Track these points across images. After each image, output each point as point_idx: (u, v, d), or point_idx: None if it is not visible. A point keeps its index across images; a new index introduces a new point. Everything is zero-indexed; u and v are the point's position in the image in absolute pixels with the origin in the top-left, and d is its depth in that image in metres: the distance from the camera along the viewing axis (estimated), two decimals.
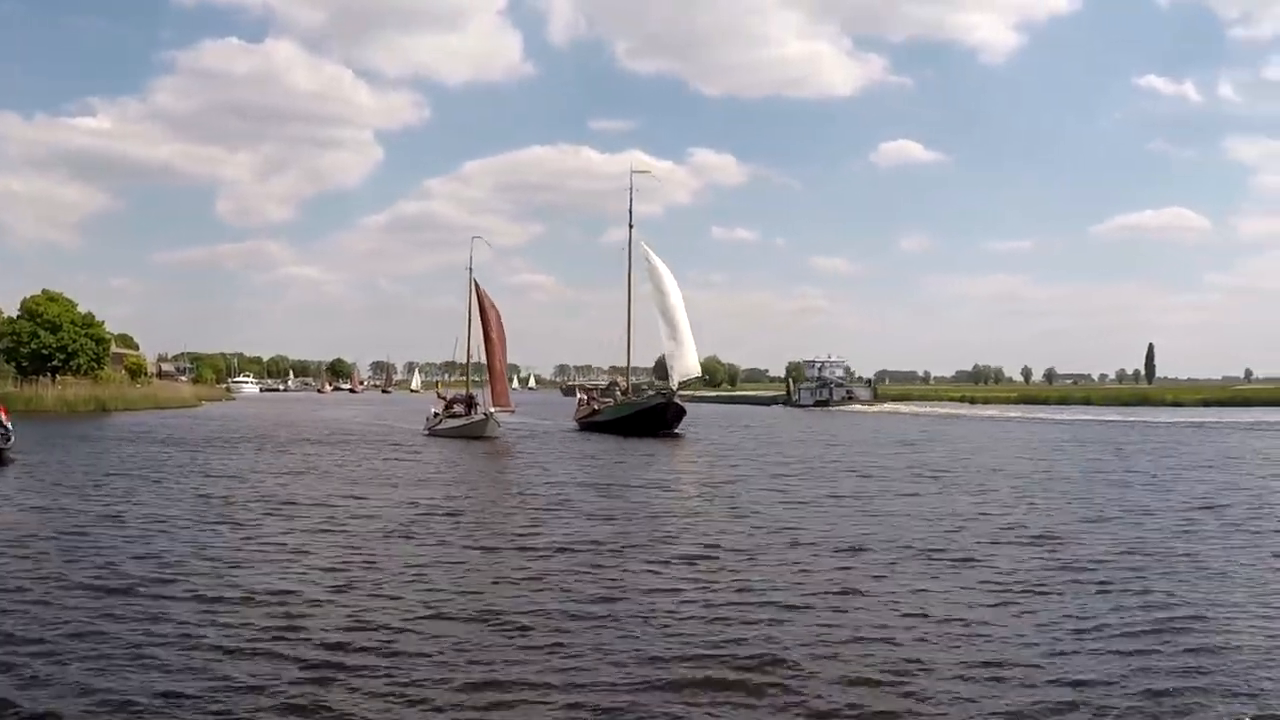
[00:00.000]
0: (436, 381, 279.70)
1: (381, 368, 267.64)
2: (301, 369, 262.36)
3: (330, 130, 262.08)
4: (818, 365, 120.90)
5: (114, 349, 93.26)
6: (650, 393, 61.06)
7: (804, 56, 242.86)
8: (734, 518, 21.26)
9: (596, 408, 58.60)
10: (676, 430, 53.84)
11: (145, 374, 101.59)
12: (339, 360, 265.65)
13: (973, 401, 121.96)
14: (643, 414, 54.12)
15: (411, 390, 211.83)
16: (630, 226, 59.05)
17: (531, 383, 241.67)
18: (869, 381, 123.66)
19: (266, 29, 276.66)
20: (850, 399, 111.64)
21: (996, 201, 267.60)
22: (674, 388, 54.76)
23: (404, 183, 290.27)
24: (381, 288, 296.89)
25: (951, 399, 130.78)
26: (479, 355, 53.05)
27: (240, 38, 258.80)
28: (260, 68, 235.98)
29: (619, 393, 60.10)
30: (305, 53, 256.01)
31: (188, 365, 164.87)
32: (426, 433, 52.52)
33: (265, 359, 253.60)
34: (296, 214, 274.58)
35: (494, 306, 50.54)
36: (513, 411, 51.07)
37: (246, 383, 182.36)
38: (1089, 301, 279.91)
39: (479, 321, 51.40)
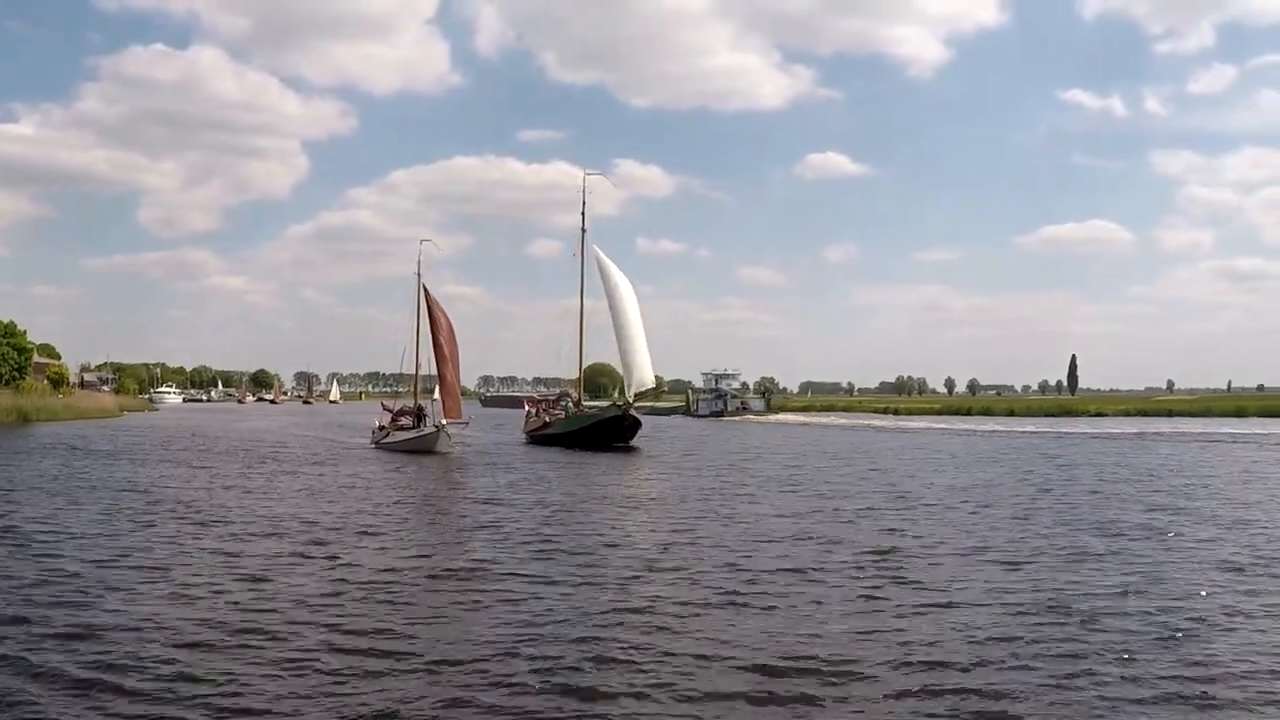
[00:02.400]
0: (361, 393, 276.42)
1: (304, 378, 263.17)
2: (225, 379, 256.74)
3: (256, 139, 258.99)
4: (714, 377, 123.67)
5: (36, 359, 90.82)
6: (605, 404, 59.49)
7: (733, 69, 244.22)
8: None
9: (548, 420, 56.90)
10: (632, 443, 52.46)
11: (67, 384, 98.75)
12: (261, 371, 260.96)
13: (896, 413, 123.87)
14: (597, 426, 52.71)
15: (331, 401, 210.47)
16: (583, 231, 57.78)
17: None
18: (763, 393, 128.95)
19: (191, 36, 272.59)
20: (744, 410, 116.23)
21: (923, 213, 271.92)
22: (630, 399, 53.31)
23: (330, 192, 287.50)
24: (306, 298, 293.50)
25: (874, 410, 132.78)
26: (427, 366, 51.01)
27: (165, 44, 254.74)
28: (185, 75, 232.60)
29: (571, 404, 58.31)
30: (230, 60, 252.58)
31: (110, 375, 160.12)
32: (373, 445, 50.51)
33: (188, 369, 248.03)
34: (222, 223, 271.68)
35: (445, 314, 48.57)
36: (466, 424, 49.16)
37: (169, 393, 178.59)
38: (1013, 313, 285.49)
39: (428, 329, 49.38)
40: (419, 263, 52.15)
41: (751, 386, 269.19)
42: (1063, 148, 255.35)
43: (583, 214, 58.26)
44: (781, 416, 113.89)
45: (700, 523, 22.55)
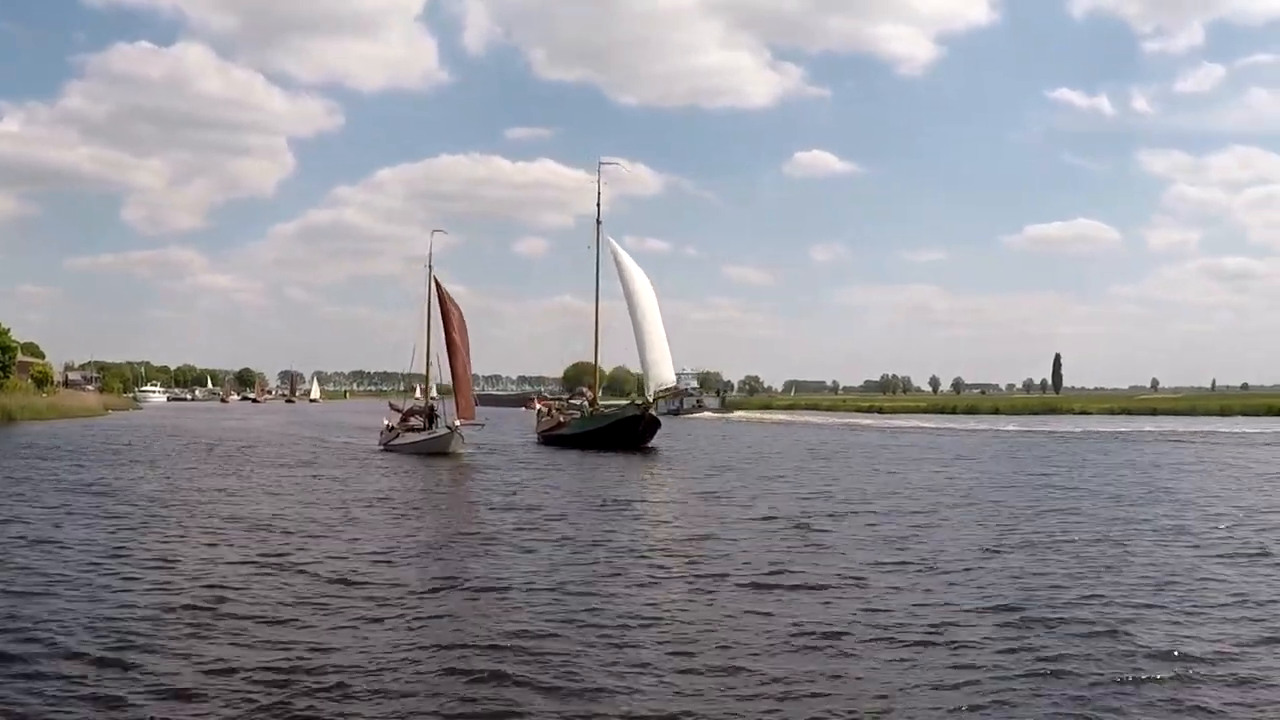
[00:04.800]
0: (346, 391, 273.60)
1: (288, 377, 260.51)
2: (210, 378, 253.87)
3: (242, 137, 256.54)
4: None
5: (20, 358, 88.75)
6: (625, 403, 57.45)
7: (723, 67, 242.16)
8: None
9: (562, 419, 54.74)
10: (650, 444, 50.46)
11: (51, 383, 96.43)
12: (246, 370, 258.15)
13: (881, 411, 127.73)
14: (614, 427, 50.54)
15: (311, 400, 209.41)
16: (598, 223, 55.68)
17: (434, 392, 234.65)
18: (718, 392, 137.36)
19: (177, 32, 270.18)
20: (700, 408, 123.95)
21: (910, 212, 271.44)
22: (649, 398, 51.25)
23: (317, 190, 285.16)
24: (292, 296, 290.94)
25: (859, 409, 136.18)
26: (437, 364, 48.71)
27: (151, 41, 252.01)
28: (171, 72, 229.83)
29: (587, 404, 56.18)
30: (217, 57, 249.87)
31: (94, 374, 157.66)
32: (381, 447, 48.31)
33: (173, 368, 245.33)
34: (207, 222, 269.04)
35: (457, 307, 46.34)
36: (482, 425, 47.02)
37: (153, 392, 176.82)
38: (999, 312, 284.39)
39: (436, 323, 47.15)
40: (430, 254, 49.87)
41: (735, 385, 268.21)
42: (1051, 147, 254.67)
43: (598, 204, 56.42)
44: (737, 414, 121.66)
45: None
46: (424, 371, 50.41)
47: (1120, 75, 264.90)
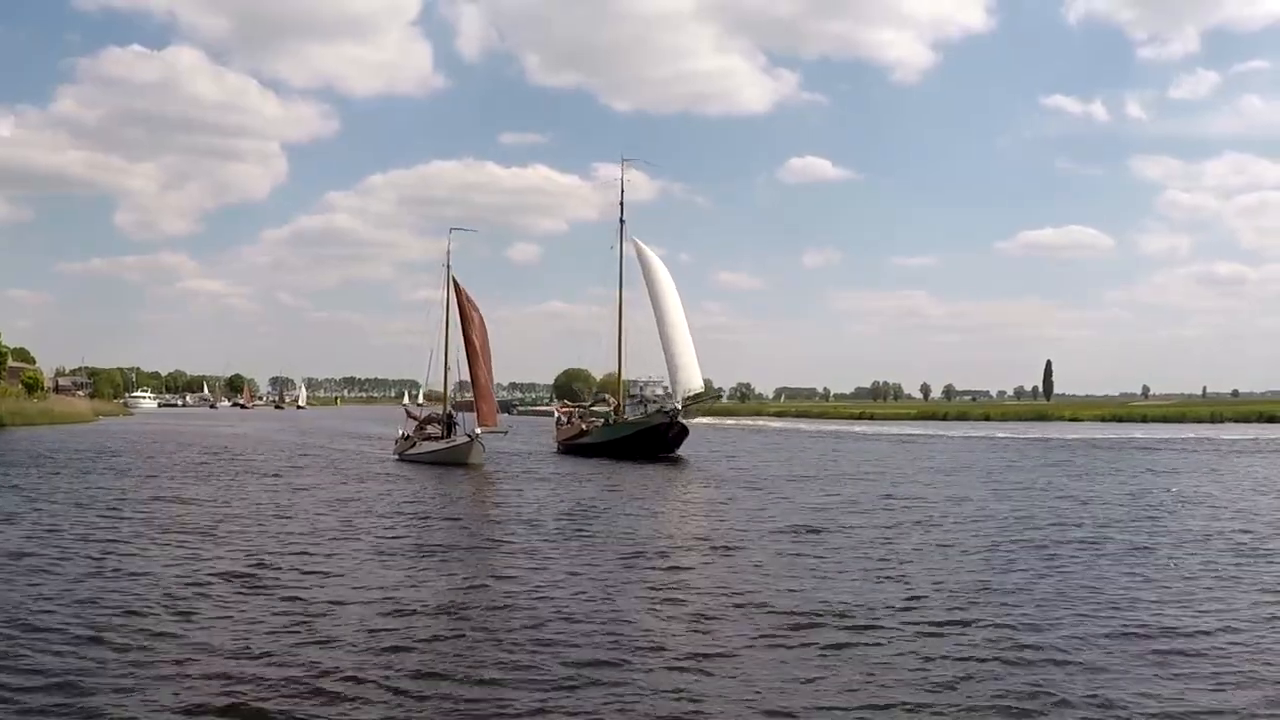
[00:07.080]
0: (337, 398, 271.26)
1: (279, 383, 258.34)
2: (200, 384, 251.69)
3: (235, 141, 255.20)
4: (641, 385, 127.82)
5: (10, 363, 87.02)
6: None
7: (717, 72, 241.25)
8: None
9: (584, 427, 52.62)
10: (678, 453, 48.49)
11: (42, 388, 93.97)
12: (236, 375, 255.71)
13: (872, 418, 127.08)
14: (640, 435, 48.39)
15: (298, 406, 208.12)
16: (621, 221, 53.60)
17: (420, 398, 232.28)
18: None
19: (169, 36, 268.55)
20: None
21: (903, 218, 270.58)
22: (678, 405, 49.17)
23: (309, 196, 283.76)
24: (283, 301, 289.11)
25: (851, 416, 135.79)
26: (456, 369, 46.46)
27: (143, 45, 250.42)
28: (163, 76, 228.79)
29: (611, 411, 54.08)
30: (209, 61, 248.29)
31: (85, 380, 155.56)
32: (397, 457, 46.17)
33: (164, 373, 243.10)
34: (199, 226, 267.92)
35: (478, 310, 44.21)
36: (505, 433, 44.96)
37: (144, 398, 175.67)
38: (991, 318, 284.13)
39: (456, 325, 44.91)
40: (448, 253, 47.61)
41: (726, 392, 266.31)
42: (1044, 153, 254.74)
43: (620, 204, 54.21)
44: (701, 420, 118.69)
45: None
46: (443, 377, 48.34)
47: (1115, 82, 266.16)
